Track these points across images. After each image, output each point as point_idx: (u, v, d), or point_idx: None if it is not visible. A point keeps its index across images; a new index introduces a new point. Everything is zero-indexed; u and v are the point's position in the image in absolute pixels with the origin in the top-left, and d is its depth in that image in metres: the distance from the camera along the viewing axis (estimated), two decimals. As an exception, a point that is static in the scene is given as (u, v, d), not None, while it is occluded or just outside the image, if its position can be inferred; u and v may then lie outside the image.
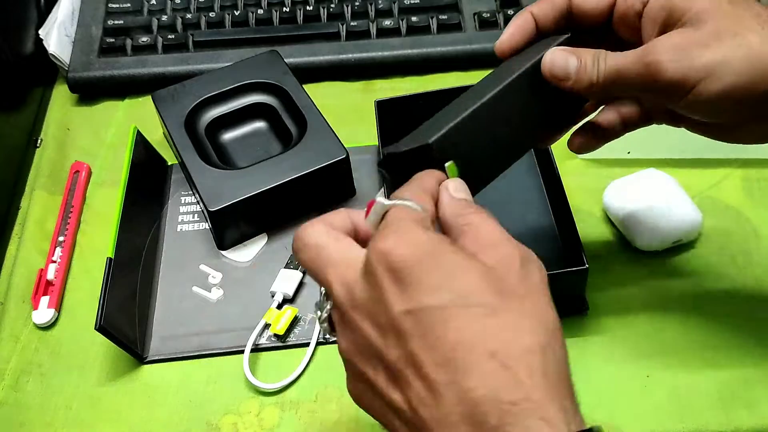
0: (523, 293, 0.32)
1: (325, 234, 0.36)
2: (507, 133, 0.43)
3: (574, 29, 0.44)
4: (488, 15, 0.73)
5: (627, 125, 0.47)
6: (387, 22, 0.73)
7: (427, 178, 0.38)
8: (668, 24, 0.40)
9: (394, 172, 0.42)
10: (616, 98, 0.47)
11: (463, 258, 0.32)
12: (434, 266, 0.32)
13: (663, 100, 0.41)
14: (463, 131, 0.40)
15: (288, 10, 0.75)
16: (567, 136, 0.48)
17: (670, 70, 0.38)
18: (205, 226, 0.62)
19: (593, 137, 0.46)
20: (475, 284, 0.31)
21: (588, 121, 0.47)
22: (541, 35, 0.45)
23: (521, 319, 0.31)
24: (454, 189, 0.38)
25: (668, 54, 0.38)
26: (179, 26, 0.74)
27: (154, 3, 0.76)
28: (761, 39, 0.37)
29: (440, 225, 0.37)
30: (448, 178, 0.39)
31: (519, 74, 0.42)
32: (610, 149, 0.63)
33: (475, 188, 0.40)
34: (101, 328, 0.50)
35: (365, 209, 0.37)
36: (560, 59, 0.41)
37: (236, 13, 0.74)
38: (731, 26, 0.38)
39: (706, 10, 0.39)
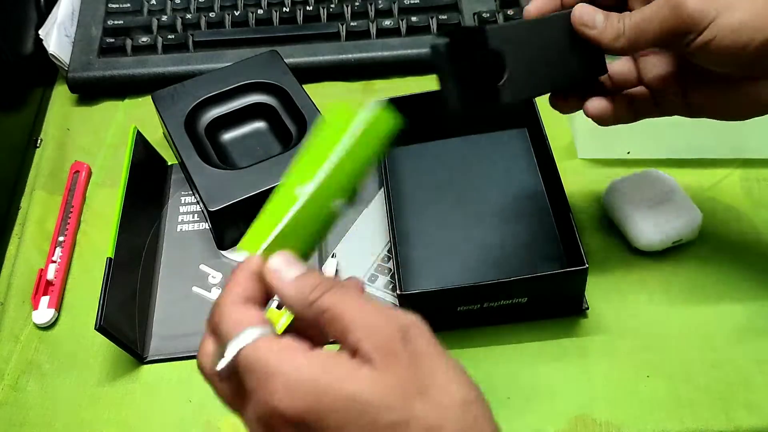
0: (420, 384, 0.31)
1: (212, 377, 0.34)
2: (542, 57, 0.47)
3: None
4: (488, 15, 0.73)
5: (637, 108, 0.49)
6: (387, 22, 0.73)
7: (238, 279, 0.35)
8: None
9: (447, 62, 0.44)
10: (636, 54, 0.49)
11: (347, 380, 0.30)
12: (328, 406, 0.30)
13: (683, 41, 0.42)
14: (509, 34, 0.45)
15: (288, 10, 0.75)
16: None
17: (691, 4, 0.40)
18: (205, 226, 0.62)
19: (609, 104, 0.48)
20: (375, 405, 0.30)
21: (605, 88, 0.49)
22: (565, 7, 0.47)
23: (430, 417, 0.30)
24: (283, 270, 0.34)
25: None
26: (179, 26, 0.74)
27: (154, 3, 0.76)
28: None
29: (294, 314, 0.34)
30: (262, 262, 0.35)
31: (552, 16, 0.46)
32: (610, 149, 0.63)
33: (520, 93, 0.46)
34: (101, 328, 0.50)
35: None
36: (589, 11, 0.45)
37: (236, 13, 0.74)
38: None
39: None
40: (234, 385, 0.33)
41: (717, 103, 0.46)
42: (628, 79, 0.49)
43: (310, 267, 0.35)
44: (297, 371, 0.30)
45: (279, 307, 0.56)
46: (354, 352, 0.31)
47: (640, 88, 0.49)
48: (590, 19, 0.45)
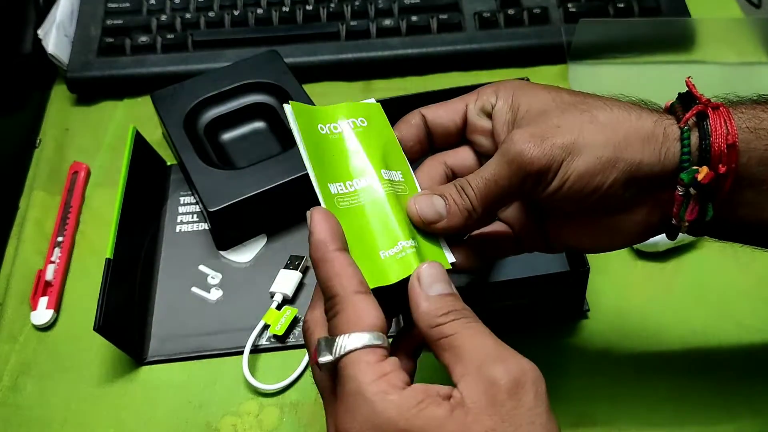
0: None
1: None
2: None
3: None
4: (489, 15, 0.73)
5: (499, 247, 0.43)
6: (387, 22, 0.73)
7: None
8: (517, 121, 0.39)
9: None
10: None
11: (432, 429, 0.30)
12: None
13: (536, 193, 0.38)
14: None
15: (287, 9, 0.74)
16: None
17: (535, 158, 0.36)
18: (205, 226, 0.62)
19: (474, 253, 0.41)
20: None
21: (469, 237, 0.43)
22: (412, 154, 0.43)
23: None
24: (428, 283, 0.35)
25: (527, 143, 0.37)
26: (178, 26, 0.74)
27: (154, 3, 0.76)
28: (609, 113, 0.38)
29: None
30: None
31: None
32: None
33: None
34: (100, 329, 0.50)
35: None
36: (425, 203, 0.39)
37: (235, 13, 0.74)
38: (578, 107, 0.38)
39: (549, 100, 0.39)
40: (331, 380, 0.34)
41: (580, 240, 0.41)
42: None
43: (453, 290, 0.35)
44: (384, 407, 0.31)
45: (279, 308, 0.56)
46: (455, 386, 0.32)
47: (498, 226, 0.43)
48: (431, 212, 0.38)
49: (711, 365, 0.52)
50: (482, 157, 0.42)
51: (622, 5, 0.73)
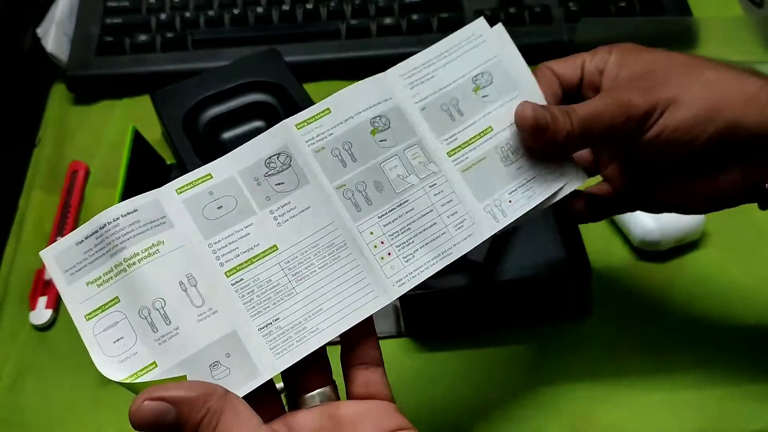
0: None
1: None
2: None
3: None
4: (490, 13, 0.73)
5: (599, 206, 0.47)
6: (388, 20, 0.73)
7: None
8: (625, 77, 0.42)
9: None
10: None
11: None
12: None
13: (634, 137, 0.40)
14: None
15: (288, 8, 0.74)
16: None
17: (641, 103, 0.39)
18: (205, 226, 0.62)
19: (592, 209, 0.46)
20: None
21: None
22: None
23: None
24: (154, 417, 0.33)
25: (635, 92, 0.40)
26: (178, 25, 0.74)
27: (153, 1, 0.75)
28: (716, 72, 0.40)
29: None
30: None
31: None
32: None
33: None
34: (99, 329, 0.50)
35: None
36: (540, 109, 0.41)
37: (235, 12, 0.74)
38: (684, 66, 0.41)
39: (658, 60, 0.41)
40: None
41: (678, 198, 0.44)
42: (587, 168, 0.47)
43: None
44: None
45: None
46: None
47: (601, 186, 0.47)
48: (543, 119, 0.40)
49: (712, 365, 0.52)
50: None
51: (623, 4, 0.72)
